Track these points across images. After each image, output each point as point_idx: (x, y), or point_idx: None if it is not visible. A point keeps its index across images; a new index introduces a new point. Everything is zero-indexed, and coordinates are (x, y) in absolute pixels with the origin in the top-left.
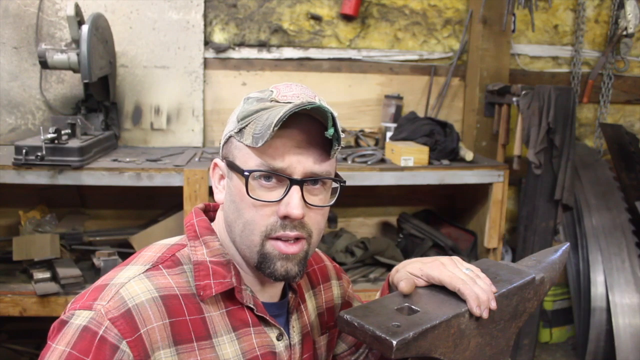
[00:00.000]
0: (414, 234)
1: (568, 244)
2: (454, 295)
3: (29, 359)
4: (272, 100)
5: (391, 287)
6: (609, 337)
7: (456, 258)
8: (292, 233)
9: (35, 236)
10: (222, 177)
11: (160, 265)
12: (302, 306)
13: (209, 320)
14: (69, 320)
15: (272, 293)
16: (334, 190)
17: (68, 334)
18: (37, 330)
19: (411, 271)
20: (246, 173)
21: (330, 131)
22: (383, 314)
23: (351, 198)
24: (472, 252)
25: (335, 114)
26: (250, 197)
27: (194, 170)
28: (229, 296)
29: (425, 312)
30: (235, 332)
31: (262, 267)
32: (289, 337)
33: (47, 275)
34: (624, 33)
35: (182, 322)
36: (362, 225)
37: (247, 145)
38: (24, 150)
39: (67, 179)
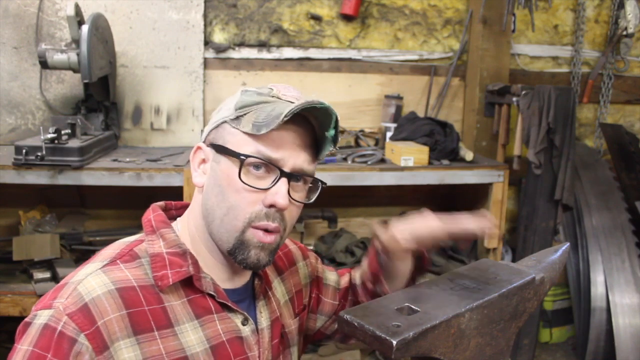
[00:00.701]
0: None
1: (568, 244)
2: (455, 295)
3: None
4: (273, 96)
5: (378, 253)
6: (609, 337)
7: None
8: (274, 224)
9: (35, 236)
10: (203, 161)
11: (117, 261)
12: (269, 293)
13: (170, 309)
14: (31, 321)
15: (236, 281)
16: (310, 189)
17: (30, 334)
18: None
19: (400, 235)
20: (242, 157)
21: (332, 132)
22: (383, 314)
23: (351, 198)
24: (472, 252)
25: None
26: (242, 181)
27: None
28: (189, 285)
29: (425, 312)
30: (199, 320)
31: (235, 252)
32: (256, 322)
33: (47, 275)
34: (624, 33)
35: (140, 312)
36: (362, 225)
37: (244, 132)
38: (24, 150)
39: (67, 179)
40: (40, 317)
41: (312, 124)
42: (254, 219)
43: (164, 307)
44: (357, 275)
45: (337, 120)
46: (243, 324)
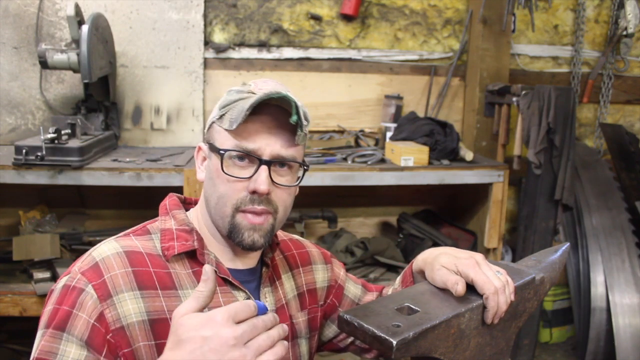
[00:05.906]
0: (414, 234)
1: (568, 244)
2: (455, 295)
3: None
4: (249, 92)
5: (414, 275)
6: (609, 337)
7: (483, 258)
8: (259, 207)
9: (35, 236)
10: (204, 158)
11: (130, 234)
12: (277, 282)
13: (175, 275)
14: (54, 287)
15: (240, 264)
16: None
17: (53, 296)
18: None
19: (445, 265)
20: (222, 152)
21: (294, 118)
22: (383, 314)
23: (351, 198)
24: None
25: (300, 104)
26: (225, 173)
27: (194, 170)
28: (194, 259)
29: (425, 312)
30: None
31: (232, 235)
32: None
33: (47, 275)
34: (624, 33)
35: (145, 272)
36: (362, 225)
37: (225, 129)
38: (24, 150)
39: (67, 179)
40: (60, 282)
41: (289, 111)
42: (240, 205)
43: (169, 272)
44: (389, 292)
45: (297, 107)
46: None
